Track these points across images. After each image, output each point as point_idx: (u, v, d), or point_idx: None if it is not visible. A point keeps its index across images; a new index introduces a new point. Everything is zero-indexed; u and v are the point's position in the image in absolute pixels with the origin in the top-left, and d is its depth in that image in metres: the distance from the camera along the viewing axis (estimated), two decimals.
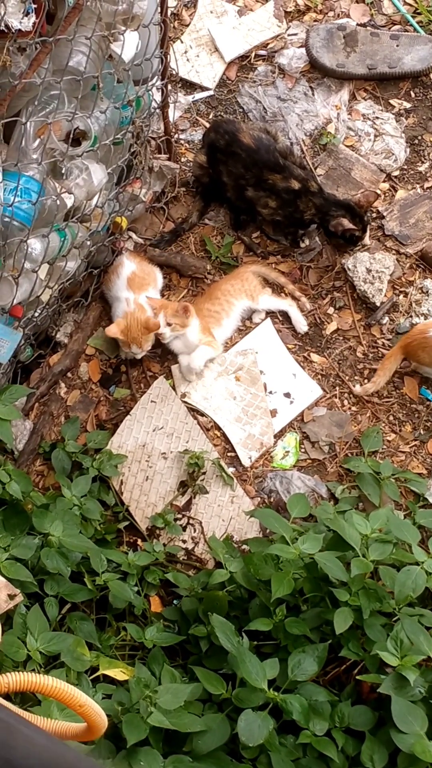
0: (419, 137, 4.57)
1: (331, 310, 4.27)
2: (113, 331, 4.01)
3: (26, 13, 2.88)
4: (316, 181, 4.29)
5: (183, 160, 4.57)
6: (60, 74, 3.19)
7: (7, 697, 2.02)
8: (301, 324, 4.22)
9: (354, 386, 4.11)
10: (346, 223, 4.18)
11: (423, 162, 4.53)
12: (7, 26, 2.81)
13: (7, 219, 3.25)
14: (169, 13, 3.87)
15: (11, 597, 2.93)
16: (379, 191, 4.41)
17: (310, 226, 4.34)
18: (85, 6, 3.10)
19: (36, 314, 3.82)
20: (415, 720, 2.85)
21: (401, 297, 4.25)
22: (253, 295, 4.21)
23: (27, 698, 2.87)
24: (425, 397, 4.10)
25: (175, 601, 3.69)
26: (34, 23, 2.93)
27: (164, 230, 4.45)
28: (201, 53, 4.82)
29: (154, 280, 4.21)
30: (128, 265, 4.16)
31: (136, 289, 4.11)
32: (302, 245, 4.34)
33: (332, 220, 4.20)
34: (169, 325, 4.04)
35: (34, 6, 2.93)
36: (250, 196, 4.26)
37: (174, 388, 4.11)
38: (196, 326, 4.06)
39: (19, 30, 2.86)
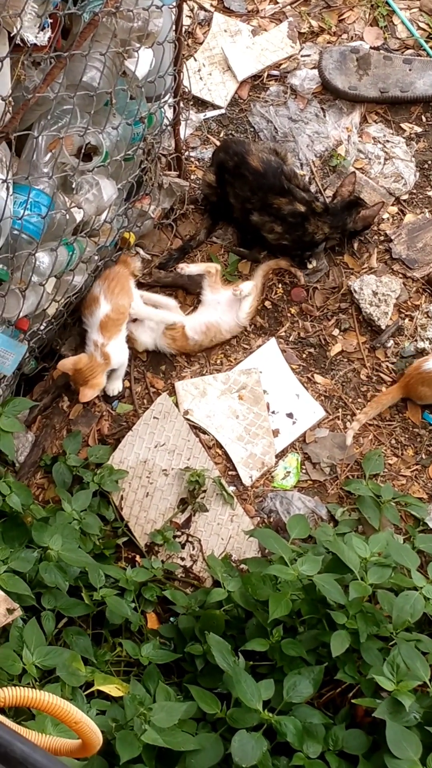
0: (429, 162, 4.58)
1: (336, 332, 4.27)
2: (67, 365, 4.00)
3: (42, 28, 2.88)
4: (320, 200, 4.30)
5: (193, 177, 4.58)
6: (73, 89, 3.19)
7: (1, 710, 2.02)
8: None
9: (352, 423, 4.11)
10: (369, 212, 4.30)
11: None
12: (22, 40, 2.82)
13: (16, 232, 3.25)
14: (183, 30, 3.87)
15: (10, 611, 2.92)
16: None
17: (320, 247, 4.34)
18: (101, 22, 3.11)
19: (42, 327, 3.82)
20: (410, 746, 2.84)
21: (407, 321, 4.25)
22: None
23: (21, 712, 2.87)
24: (428, 421, 4.10)
25: (171, 619, 3.68)
26: (50, 38, 2.94)
27: (172, 247, 4.45)
28: (214, 72, 4.83)
29: (126, 315, 4.13)
30: (103, 307, 4.07)
31: (107, 334, 4.06)
32: (309, 266, 4.34)
33: (356, 223, 4.29)
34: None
35: (49, 21, 2.94)
36: (255, 221, 4.25)
37: (177, 405, 4.11)
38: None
39: (35, 44, 2.87)
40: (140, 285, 4.29)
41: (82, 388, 3.95)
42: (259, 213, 4.24)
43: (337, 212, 4.26)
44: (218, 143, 4.60)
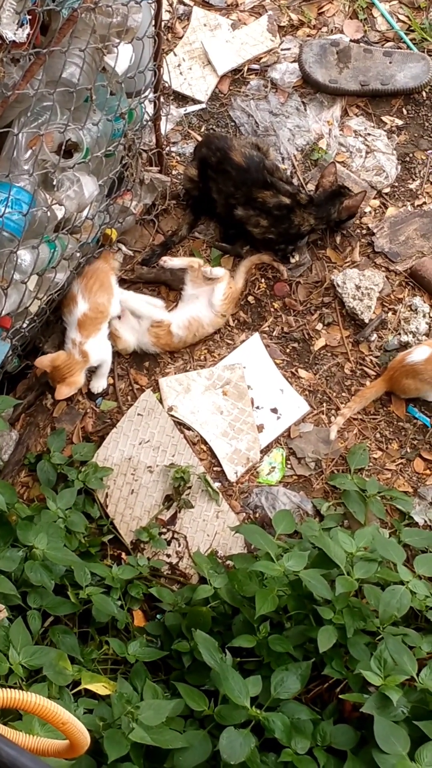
0: (410, 154, 4.58)
1: (319, 326, 4.27)
2: (44, 363, 3.99)
3: (21, 25, 2.87)
4: (304, 192, 4.29)
5: (174, 172, 4.56)
6: (53, 86, 3.18)
7: None
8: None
9: (336, 418, 4.10)
10: (353, 202, 4.28)
11: (414, 179, 4.53)
12: (1, 37, 2.81)
13: None
14: (162, 25, 3.86)
15: None
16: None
17: (303, 240, 4.33)
18: (80, 18, 3.09)
19: (24, 325, 3.81)
20: (398, 740, 2.83)
21: (390, 314, 4.25)
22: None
23: (7, 712, 2.85)
24: (412, 415, 4.10)
25: (158, 616, 3.68)
26: (29, 34, 2.93)
27: (154, 243, 4.44)
28: (194, 66, 4.81)
29: (106, 314, 4.12)
30: (81, 305, 4.06)
31: (85, 332, 4.04)
32: (292, 261, 4.34)
33: (340, 213, 4.28)
34: None
35: (28, 17, 2.93)
36: (240, 216, 4.24)
37: (161, 401, 4.10)
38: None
39: (14, 41, 2.86)
40: (123, 282, 4.28)
41: (59, 386, 3.94)
42: (243, 207, 4.23)
43: (322, 203, 4.25)
44: (199, 138, 4.60)
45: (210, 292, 4.20)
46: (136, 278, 4.33)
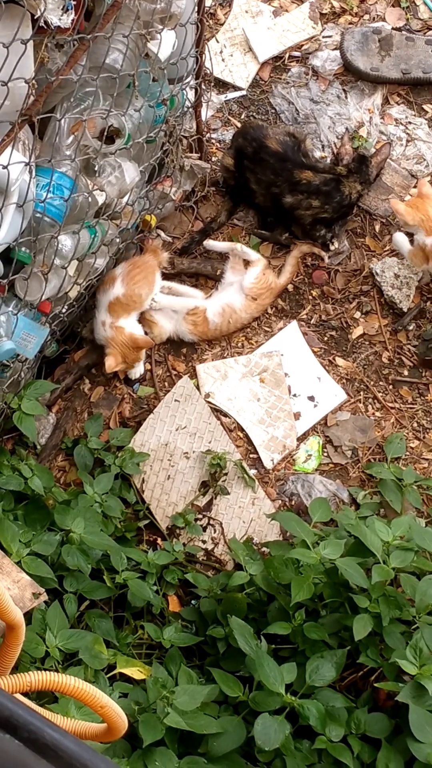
0: None
1: (357, 315, 4.26)
2: (112, 366, 4.00)
3: (65, 10, 2.87)
4: (340, 166, 4.29)
5: (214, 159, 4.56)
6: (96, 71, 3.18)
7: (24, 693, 2.03)
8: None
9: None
10: (380, 157, 4.38)
11: None
12: (46, 23, 2.81)
13: (38, 215, 3.24)
14: (205, 12, 3.85)
15: (35, 596, 2.93)
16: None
17: (350, 215, 4.35)
18: (124, 4, 3.10)
19: (63, 310, 3.82)
20: None
21: (428, 303, 4.23)
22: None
23: (43, 695, 2.87)
24: None
25: (193, 602, 3.69)
26: (73, 20, 2.92)
27: (193, 229, 4.44)
28: (235, 53, 4.81)
29: (138, 304, 4.13)
30: (116, 288, 4.07)
31: (114, 315, 4.06)
32: (332, 248, 4.33)
33: (372, 173, 4.34)
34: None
35: (73, 3, 2.93)
36: (290, 203, 4.22)
37: (198, 387, 4.11)
38: None
39: (58, 27, 2.86)
40: (163, 276, 4.27)
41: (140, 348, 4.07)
42: (291, 194, 4.21)
43: (359, 169, 4.26)
44: (239, 125, 4.59)
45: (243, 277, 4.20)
46: (176, 272, 4.33)
